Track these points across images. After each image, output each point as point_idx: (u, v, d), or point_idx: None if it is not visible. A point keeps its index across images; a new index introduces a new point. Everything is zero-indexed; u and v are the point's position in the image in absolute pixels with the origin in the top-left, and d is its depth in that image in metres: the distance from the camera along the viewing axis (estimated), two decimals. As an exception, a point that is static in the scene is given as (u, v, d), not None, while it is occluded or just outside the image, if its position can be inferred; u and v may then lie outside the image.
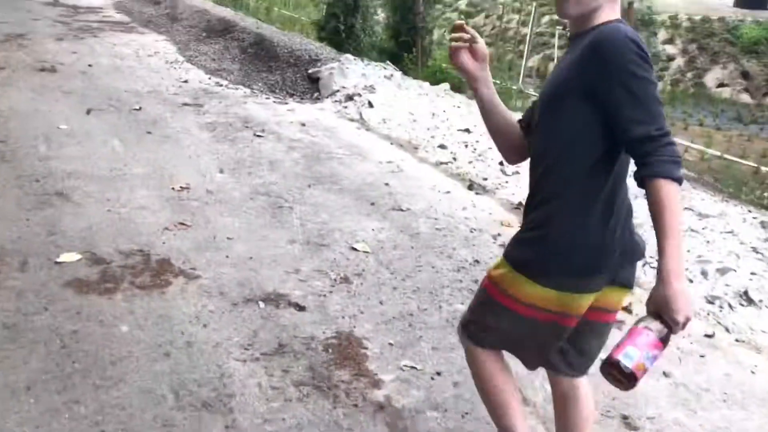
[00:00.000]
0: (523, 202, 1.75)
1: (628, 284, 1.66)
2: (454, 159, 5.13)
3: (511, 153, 1.83)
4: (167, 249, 3.28)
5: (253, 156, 4.78)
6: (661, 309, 1.40)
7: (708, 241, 3.72)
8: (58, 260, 3.06)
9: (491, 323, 1.72)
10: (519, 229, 1.72)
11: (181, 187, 4.07)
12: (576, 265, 1.55)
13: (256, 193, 4.12)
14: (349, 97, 6.48)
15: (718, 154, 9.91)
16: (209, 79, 6.99)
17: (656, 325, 1.40)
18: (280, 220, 3.77)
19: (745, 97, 14.45)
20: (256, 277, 3.09)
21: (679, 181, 1.42)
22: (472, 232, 3.83)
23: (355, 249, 3.47)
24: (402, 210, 4.07)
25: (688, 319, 1.39)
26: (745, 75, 14.87)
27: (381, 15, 12.45)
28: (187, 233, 3.48)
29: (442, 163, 5.06)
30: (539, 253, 1.59)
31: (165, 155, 4.61)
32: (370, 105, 6.25)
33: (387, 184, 4.48)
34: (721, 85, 14.84)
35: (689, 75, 15.20)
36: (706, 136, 11.11)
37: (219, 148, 4.88)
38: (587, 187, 1.55)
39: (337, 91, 6.62)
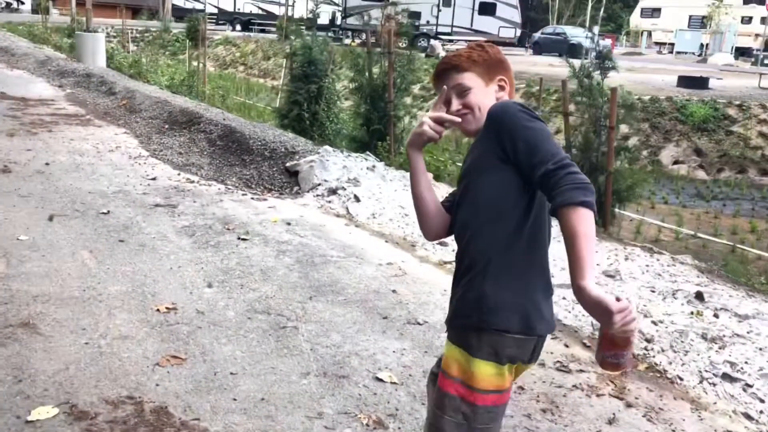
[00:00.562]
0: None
1: (536, 360, 1.75)
2: (458, 258, 4.76)
3: (433, 229, 1.89)
4: (162, 393, 2.75)
5: (241, 264, 4.30)
6: (591, 316, 1.50)
7: (760, 349, 3.40)
8: (30, 418, 2.49)
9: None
10: (451, 301, 1.79)
11: (166, 307, 3.55)
12: (509, 326, 1.63)
13: (253, 310, 3.64)
14: (333, 191, 6.12)
15: (692, 233, 9.92)
16: (178, 175, 6.54)
17: (601, 329, 1.52)
18: (287, 344, 3.28)
19: (701, 174, 14.79)
20: (274, 427, 2.59)
21: (582, 204, 1.48)
22: (503, 348, 3.42)
23: (380, 380, 3.01)
24: (419, 323, 3.64)
25: (611, 319, 1.41)
26: (698, 152, 15.27)
27: (346, 102, 12.34)
28: (182, 369, 2.96)
29: (446, 263, 4.68)
30: (474, 319, 1.66)
31: (143, 268, 4.10)
32: (357, 199, 5.89)
33: (394, 291, 4.07)
34: (676, 162, 15.18)
35: (645, 153, 15.52)
36: (675, 214, 11.16)
37: (202, 256, 4.40)
38: (512, 249, 1.65)
39: (319, 184, 6.25)
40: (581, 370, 3.26)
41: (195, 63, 21.72)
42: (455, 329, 1.73)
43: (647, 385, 3.18)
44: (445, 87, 1.78)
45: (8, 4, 42.20)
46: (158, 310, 3.52)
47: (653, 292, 4.15)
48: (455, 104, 1.76)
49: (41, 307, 3.44)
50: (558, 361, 3.32)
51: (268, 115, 17.01)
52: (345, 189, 6.10)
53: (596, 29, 31.15)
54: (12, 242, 4.33)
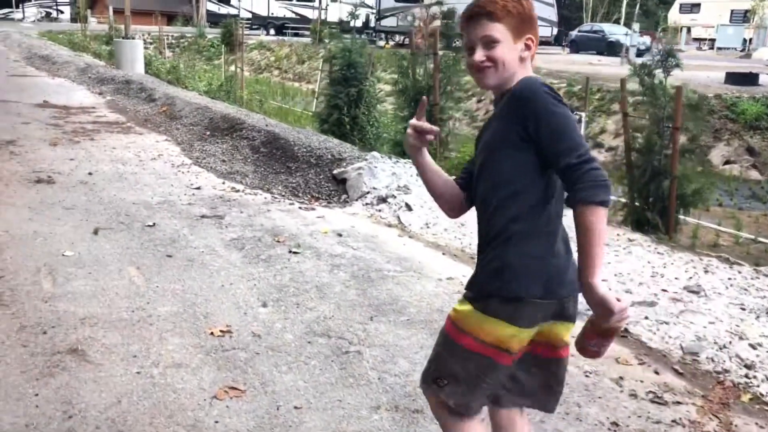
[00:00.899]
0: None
1: (572, 319, 1.78)
2: (523, 272, 4.44)
3: (451, 208, 1.99)
4: (222, 431, 2.51)
5: (295, 280, 4.06)
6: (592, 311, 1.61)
7: None
8: (83, 462, 2.28)
9: (453, 368, 1.78)
10: (475, 268, 1.82)
11: (221, 331, 3.32)
12: (530, 292, 1.68)
13: (312, 333, 3.38)
14: (382, 200, 5.85)
15: (752, 237, 9.43)
16: (223, 183, 6.35)
17: (592, 319, 1.63)
18: (351, 372, 3.02)
19: (755, 174, 14.18)
20: (348, 472, 2.33)
21: (601, 203, 1.57)
22: (587, 376, 3.11)
23: (458, 414, 2.72)
24: (491, 348, 3.34)
25: (611, 316, 1.56)
26: (750, 151, 14.65)
27: (387, 105, 12.10)
28: (242, 403, 2.71)
29: (510, 278, 4.37)
30: (495, 286, 1.71)
31: (193, 285, 3.88)
32: (408, 207, 5.62)
33: (459, 311, 3.77)
34: (727, 162, 14.59)
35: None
36: (731, 217, 10.66)
37: (253, 272, 4.17)
38: (532, 221, 1.70)
39: (368, 192, 6.00)
40: (678, 402, 2.93)
41: (230, 68, 21.69)
42: (475, 295, 1.77)
43: (756, 419, 2.84)
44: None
45: (48, 14, 43.02)
46: (212, 333, 3.29)
47: (743, 309, 3.80)
48: (479, 54, 1.73)
49: (89, 331, 3.23)
50: (651, 392, 3.00)
51: (306, 119, 16.86)
52: (395, 197, 5.83)
53: (636, 26, 30.38)
54: (57, 258, 4.16)
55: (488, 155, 1.76)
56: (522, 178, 1.69)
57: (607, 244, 4.94)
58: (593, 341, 1.65)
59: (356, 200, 5.99)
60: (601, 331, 1.61)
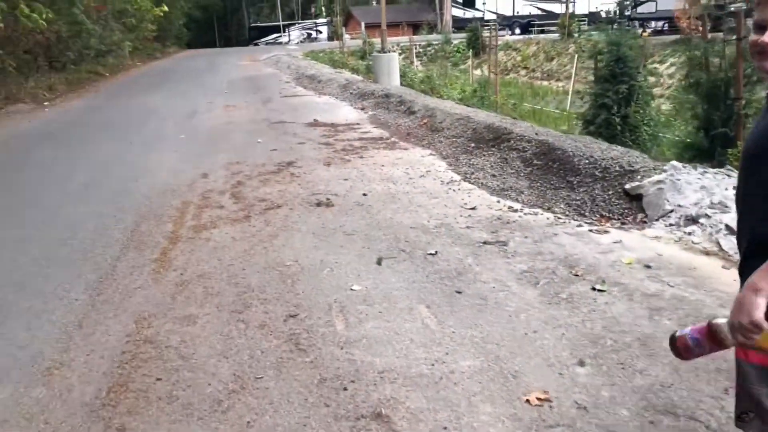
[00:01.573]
0: None
1: None
2: None
3: None
4: None
5: (610, 330, 3.39)
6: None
7: None
8: None
9: (751, 395, 1.73)
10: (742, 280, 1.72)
11: (537, 398, 2.79)
12: None
13: (652, 408, 2.69)
14: (692, 220, 4.90)
15: None
16: (498, 202, 5.87)
17: (720, 320, 1.63)
18: (724, 476, 2.28)
19: None
20: None
21: None
22: None
23: None
24: None
25: (738, 317, 1.55)
26: None
27: (661, 102, 10.85)
28: None
29: None
30: None
31: (491, 332, 3.41)
32: (730, 230, 4.60)
33: None
34: None
35: None
36: None
37: (557, 315, 3.58)
38: None
39: (671, 211, 5.08)
40: None
41: (476, 72, 21.42)
42: None
43: None
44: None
45: (309, 35, 47.13)
46: (528, 401, 2.77)
47: None
48: None
49: (390, 389, 2.90)
50: None
51: (562, 120, 15.93)
52: (709, 216, 4.84)
53: None
54: (346, 293, 3.97)
55: (753, 162, 1.68)
56: None
57: None
58: (696, 335, 1.68)
59: (656, 220, 5.11)
60: (711, 334, 1.63)
